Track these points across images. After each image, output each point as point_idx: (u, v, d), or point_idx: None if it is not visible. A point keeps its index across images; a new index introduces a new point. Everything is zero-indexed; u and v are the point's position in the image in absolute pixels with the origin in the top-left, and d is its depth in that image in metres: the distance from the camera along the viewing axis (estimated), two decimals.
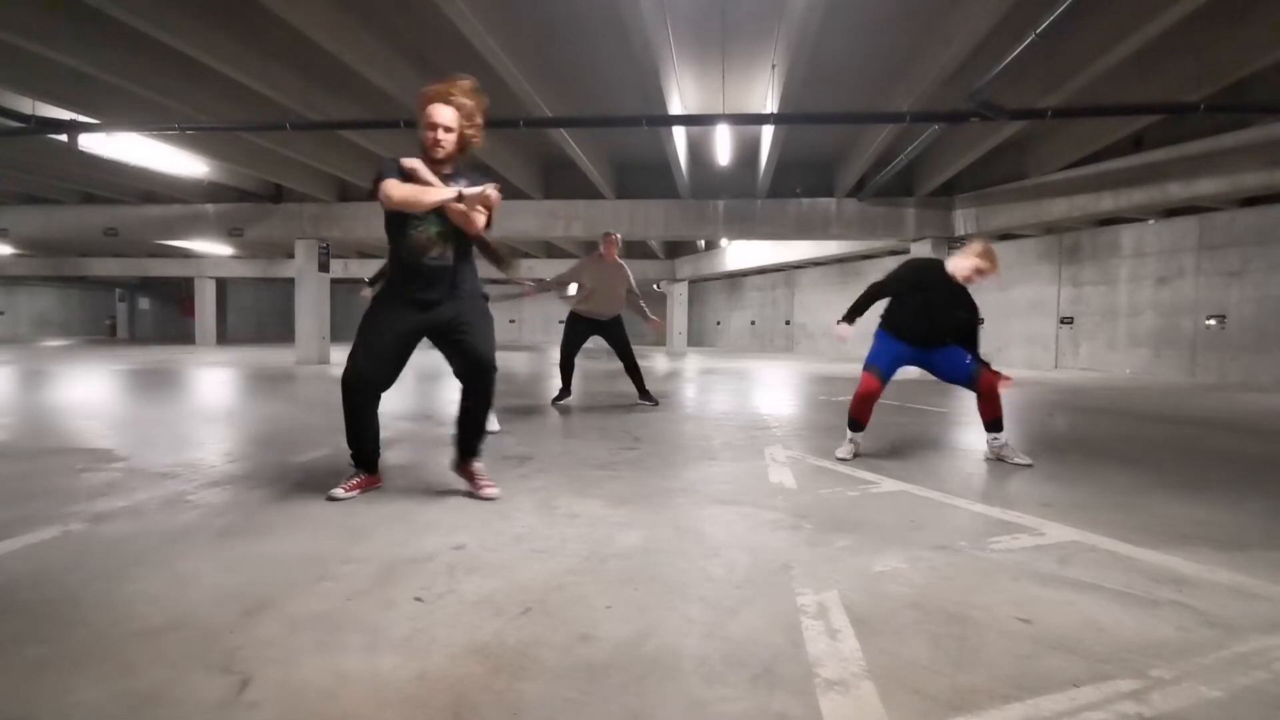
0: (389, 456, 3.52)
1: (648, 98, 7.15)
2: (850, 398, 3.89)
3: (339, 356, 12.11)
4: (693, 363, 14.15)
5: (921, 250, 11.13)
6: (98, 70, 6.32)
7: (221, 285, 23.20)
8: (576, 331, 6.03)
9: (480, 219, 2.64)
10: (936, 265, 3.75)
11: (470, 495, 2.84)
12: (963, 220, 10.77)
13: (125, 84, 6.64)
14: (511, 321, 28.50)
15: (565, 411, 5.71)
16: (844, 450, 3.77)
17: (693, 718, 1.28)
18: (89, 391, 7.02)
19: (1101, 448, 4.31)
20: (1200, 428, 5.24)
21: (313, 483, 2.98)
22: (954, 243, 10.84)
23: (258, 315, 28.64)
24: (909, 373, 3.90)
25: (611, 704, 1.31)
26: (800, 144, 9.53)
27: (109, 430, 4.53)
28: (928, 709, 1.31)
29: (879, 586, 1.91)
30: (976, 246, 3.64)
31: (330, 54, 5.99)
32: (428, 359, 2.98)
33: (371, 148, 8.74)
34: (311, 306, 12.41)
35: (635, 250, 19.64)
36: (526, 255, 19.06)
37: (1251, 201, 9.47)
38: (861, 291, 3.85)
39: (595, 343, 6.19)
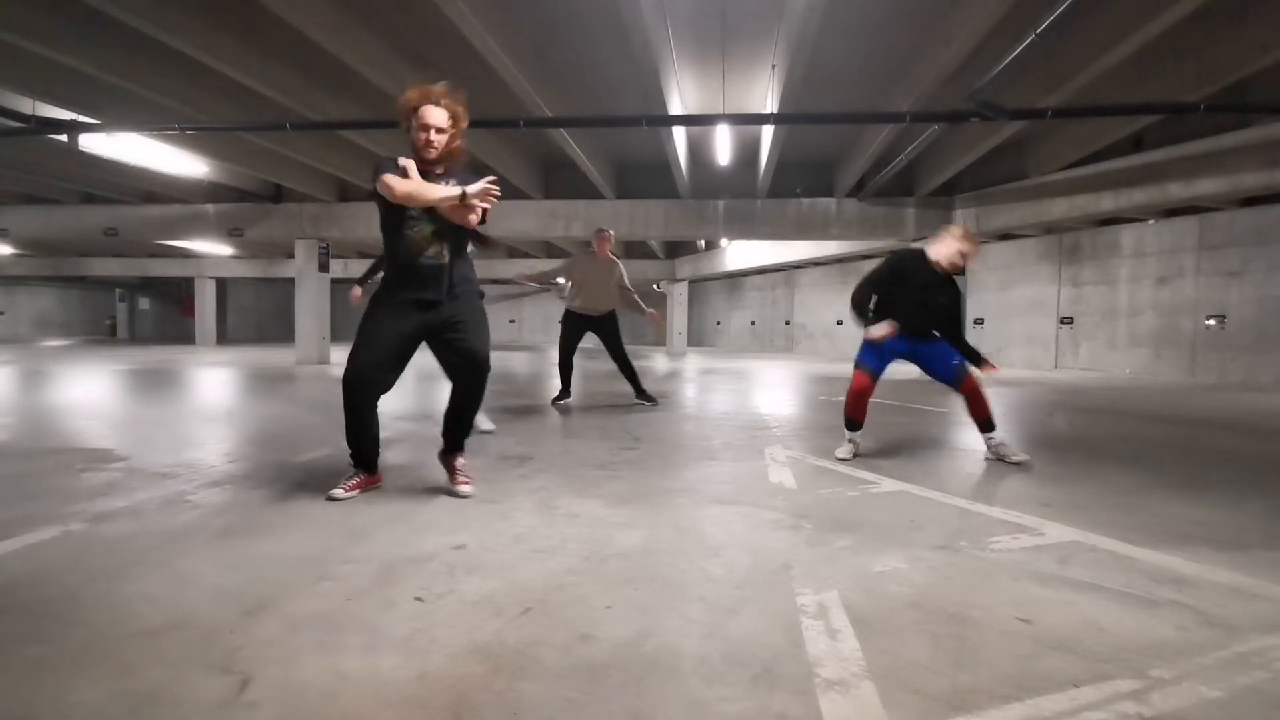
0: (389, 456, 3.52)
1: (648, 98, 7.15)
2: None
3: (339, 356, 12.10)
4: (693, 363, 14.15)
5: None
6: (98, 70, 6.32)
7: (221, 285, 23.21)
8: (571, 330, 6.04)
9: (477, 215, 2.66)
10: (918, 254, 3.76)
11: (448, 491, 2.87)
12: (963, 220, 10.77)
13: (125, 84, 6.65)
14: (511, 321, 28.51)
15: (565, 411, 5.71)
16: (844, 450, 3.77)
17: (693, 718, 1.28)
18: (89, 391, 7.02)
19: (1101, 448, 4.31)
20: (1200, 428, 5.24)
21: (313, 483, 2.98)
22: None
23: (258, 315, 28.64)
24: (909, 373, 3.90)
25: (611, 704, 1.31)
26: (800, 144, 9.53)
27: (109, 430, 4.53)
28: (928, 709, 1.31)
29: (879, 586, 1.91)
30: (955, 230, 3.68)
31: (330, 54, 5.99)
32: (428, 359, 2.99)
33: (371, 148, 8.74)
34: (311, 306, 12.41)
35: (635, 250, 19.65)
36: (526, 255, 19.06)
37: (1251, 201, 9.46)
38: (853, 296, 3.81)
39: (596, 343, 6.19)
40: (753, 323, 22.26)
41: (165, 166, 9.77)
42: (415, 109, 2.66)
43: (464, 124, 2.76)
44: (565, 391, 6.08)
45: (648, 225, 11.79)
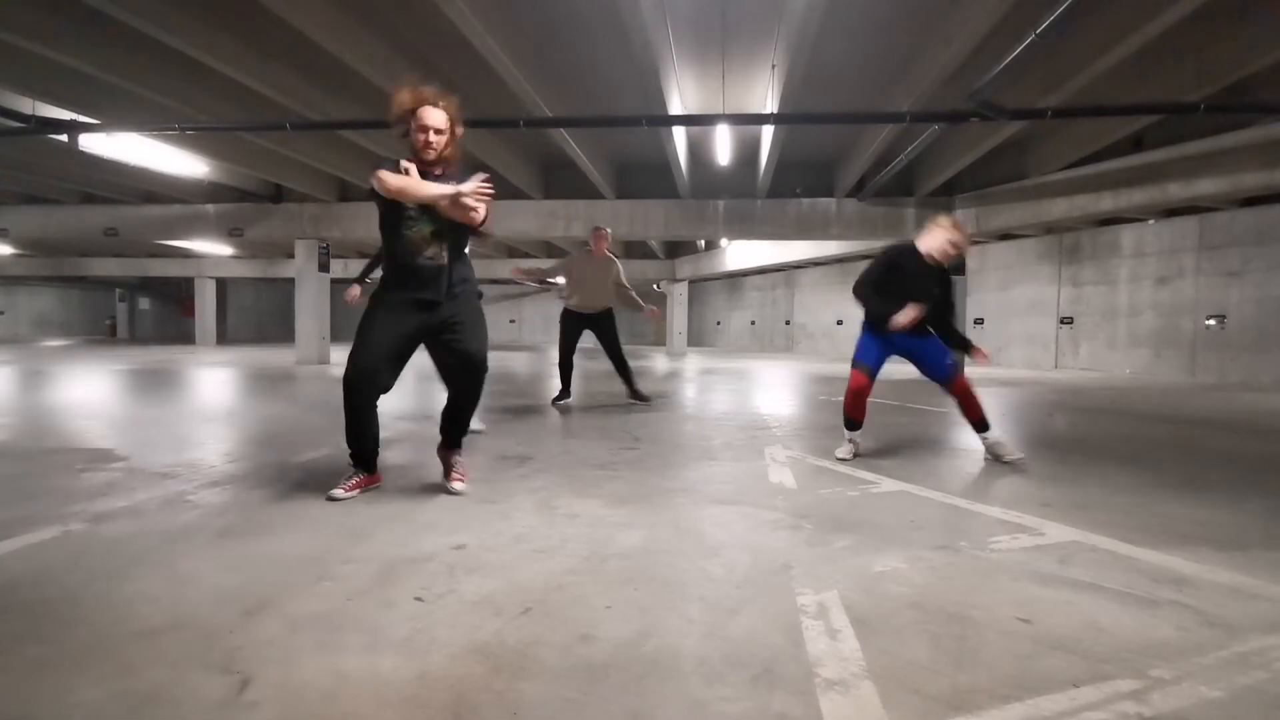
0: (389, 456, 3.53)
1: (648, 98, 7.15)
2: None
3: (339, 356, 12.10)
4: (692, 363, 14.15)
5: None
6: (98, 70, 6.31)
7: (221, 285, 23.20)
8: (570, 328, 6.05)
9: (479, 213, 2.66)
10: (909, 248, 3.77)
11: (443, 488, 2.90)
12: (963, 220, 10.75)
13: (125, 84, 6.64)
14: (511, 321, 28.52)
15: (565, 411, 5.71)
16: (844, 450, 3.78)
17: (693, 718, 1.28)
18: (89, 391, 7.02)
19: (1101, 448, 4.31)
20: (1200, 428, 5.24)
21: (313, 483, 2.98)
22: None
23: (258, 315, 28.64)
24: (908, 373, 3.90)
25: (611, 704, 1.31)
26: (800, 144, 9.53)
27: (109, 430, 4.53)
28: (928, 709, 1.31)
29: (879, 586, 1.91)
30: (943, 221, 3.68)
31: (330, 54, 5.99)
32: (427, 359, 3.00)
33: (371, 148, 8.73)
34: (311, 306, 12.41)
35: (635, 250, 19.64)
36: (526, 255, 19.06)
37: (1251, 201, 9.47)
38: (856, 292, 3.80)
39: (596, 342, 6.20)
40: (753, 323, 22.26)
41: (165, 166, 9.77)
42: (412, 111, 2.69)
43: (460, 127, 2.79)
44: (565, 391, 6.08)
45: (648, 225, 11.78)
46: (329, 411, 5.08)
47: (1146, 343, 11.25)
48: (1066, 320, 12.59)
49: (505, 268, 19.69)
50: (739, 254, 17.78)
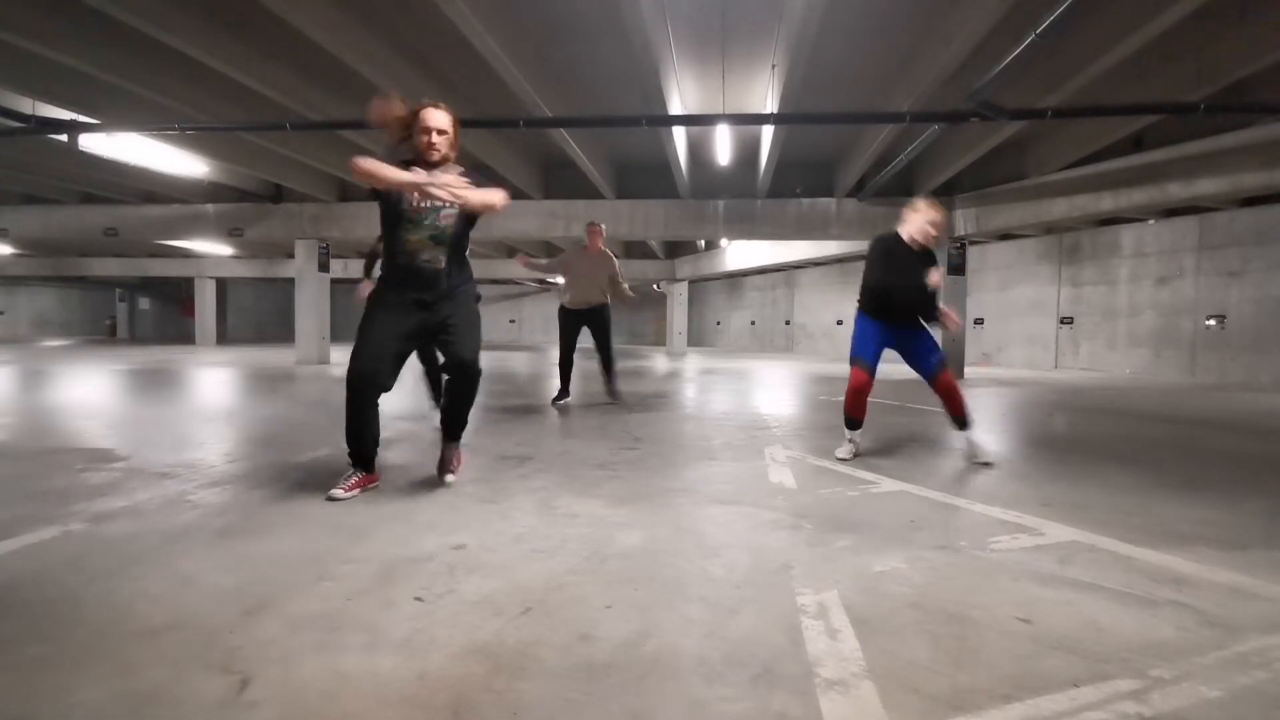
0: (389, 456, 3.53)
1: (648, 98, 7.15)
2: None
3: (339, 356, 12.11)
4: (693, 363, 14.15)
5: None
6: (98, 70, 6.31)
7: (221, 285, 23.20)
8: (568, 325, 6.07)
9: (474, 196, 2.70)
10: (894, 235, 3.81)
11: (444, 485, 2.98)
12: (963, 220, 10.77)
13: (125, 84, 6.64)
14: (511, 321, 28.52)
15: (565, 411, 5.71)
16: (844, 450, 3.78)
17: (693, 718, 1.28)
18: (89, 391, 7.02)
19: (1101, 448, 4.31)
20: (1200, 428, 5.24)
21: (313, 483, 2.98)
22: (954, 242, 10.84)
23: (258, 315, 28.63)
24: (908, 373, 3.90)
25: (611, 704, 1.31)
26: (800, 144, 9.53)
27: (109, 430, 4.53)
28: (928, 709, 1.31)
29: (879, 586, 1.91)
30: (918, 204, 3.73)
31: (330, 54, 5.99)
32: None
33: (371, 148, 8.72)
34: (311, 306, 12.41)
35: (635, 250, 19.64)
36: (526, 255, 19.06)
37: (1251, 201, 9.47)
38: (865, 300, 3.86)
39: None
40: (753, 323, 22.27)
41: (165, 166, 9.76)
42: (415, 114, 2.74)
43: (457, 130, 2.84)
44: (564, 391, 6.09)
45: (648, 225, 11.78)
46: (329, 411, 5.08)
47: (1146, 343, 11.25)
48: (1066, 320, 12.60)
49: (505, 268, 19.77)
50: (739, 254, 17.78)
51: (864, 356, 3.79)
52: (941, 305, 3.75)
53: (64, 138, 7.75)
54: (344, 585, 1.87)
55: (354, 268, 19.69)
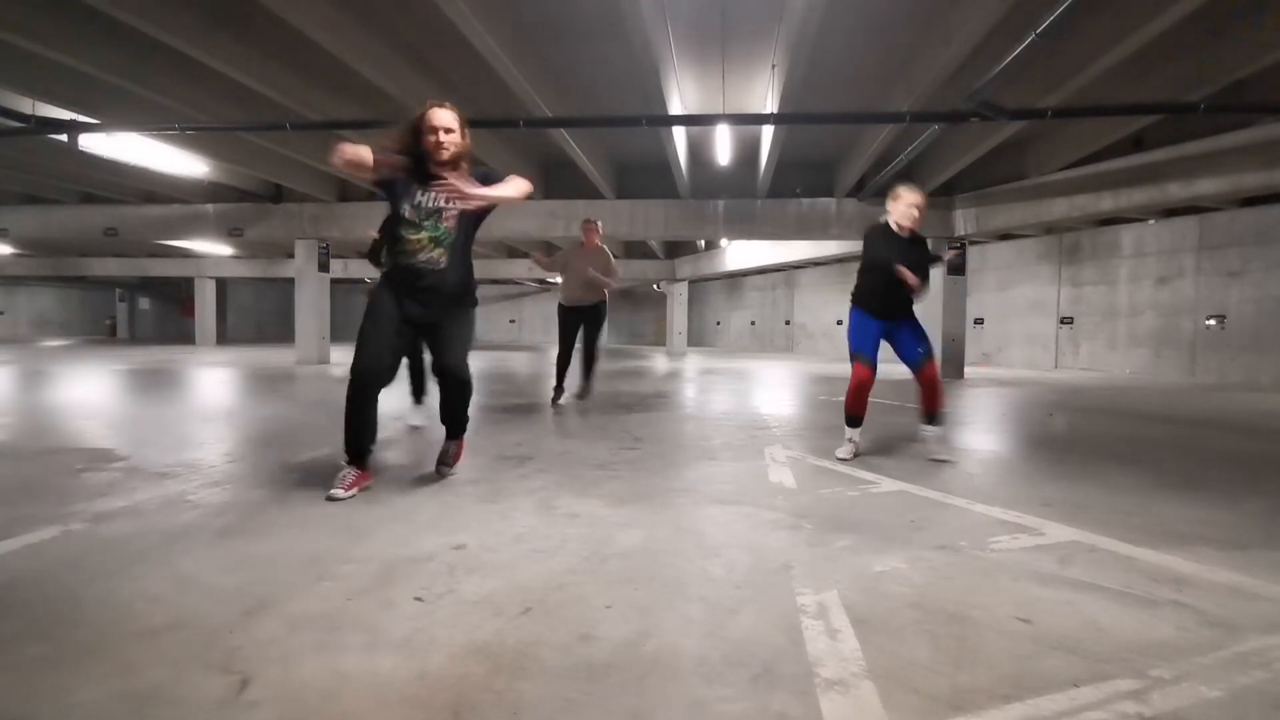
0: (389, 456, 3.53)
1: (648, 98, 7.15)
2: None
3: (339, 356, 12.11)
4: (692, 363, 14.15)
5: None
6: (98, 70, 6.31)
7: (221, 285, 23.19)
8: (567, 323, 6.08)
9: (486, 196, 2.76)
10: (883, 225, 3.87)
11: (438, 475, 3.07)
12: (963, 220, 10.77)
13: (125, 84, 6.64)
14: (511, 321, 28.54)
15: (564, 412, 5.71)
16: (844, 450, 3.78)
17: (693, 718, 1.28)
18: (89, 391, 7.01)
19: (1101, 448, 4.31)
20: (1200, 428, 5.24)
21: (313, 483, 2.98)
22: (953, 243, 10.84)
23: (258, 315, 28.63)
24: (908, 373, 3.90)
25: (611, 704, 1.31)
26: (800, 144, 9.53)
27: (109, 430, 4.53)
28: (928, 709, 1.31)
29: (879, 586, 1.91)
30: (899, 190, 3.82)
31: (330, 54, 5.99)
32: (426, 360, 3.07)
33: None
34: (311, 306, 12.41)
35: (635, 250, 19.64)
36: (526, 255, 19.05)
37: (1251, 201, 9.47)
38: (864, 298, 3.89)
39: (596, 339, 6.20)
40: (753, 323, 22.27)
41: (165, 166, 9.76)
42: (420, 116, 2.77)
43: (467, 136, 2.86)
44: (560, 389, 6.09)
45: (648, 225, 11.78)
46: (329, 411, 5.07)
47: (1146, 343, 11.25)
48: (1066, 320, 12.60)
49: (506, 268, 19.77)
50: (739, 254, 17.78)
51: (864, 351, 3.80)
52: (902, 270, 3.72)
53: (64, 138, 7.74)
54: (344, 585, 1.87)
55: (354, 268, 19.72)
